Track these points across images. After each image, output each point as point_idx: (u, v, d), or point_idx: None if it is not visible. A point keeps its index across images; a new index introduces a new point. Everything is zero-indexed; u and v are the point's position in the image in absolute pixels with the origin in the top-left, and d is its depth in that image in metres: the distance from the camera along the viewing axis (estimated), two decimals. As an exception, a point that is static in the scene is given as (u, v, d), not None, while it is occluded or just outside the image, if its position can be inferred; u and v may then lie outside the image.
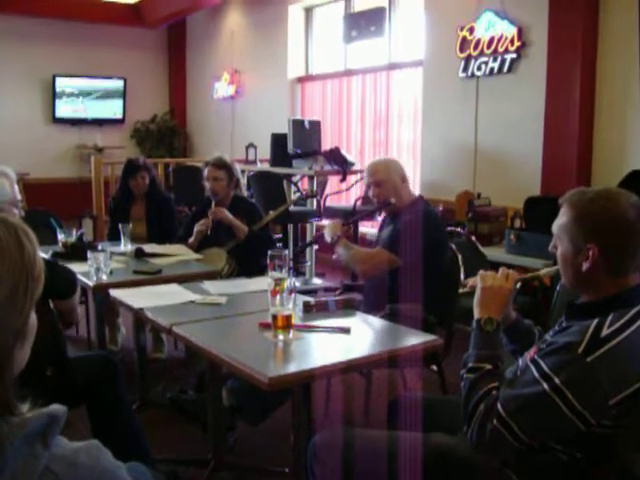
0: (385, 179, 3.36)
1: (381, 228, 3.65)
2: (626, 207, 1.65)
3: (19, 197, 2.82)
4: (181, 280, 3.25)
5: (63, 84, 10.32)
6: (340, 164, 6.22)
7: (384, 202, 3.38)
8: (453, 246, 3.41)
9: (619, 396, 1.55)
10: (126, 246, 4.12)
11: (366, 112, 7.93)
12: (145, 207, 4.81)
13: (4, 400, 0.96)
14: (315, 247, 6.72)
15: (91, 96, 10.59)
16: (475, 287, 1.93)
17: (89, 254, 3.30)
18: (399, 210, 3.36)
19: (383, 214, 3.68)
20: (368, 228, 7.33)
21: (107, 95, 10.70)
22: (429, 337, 2.36)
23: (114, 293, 2.99)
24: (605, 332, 1.57)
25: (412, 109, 7.27)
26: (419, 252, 3.08)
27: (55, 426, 0.96)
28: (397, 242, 3.19)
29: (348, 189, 7.23)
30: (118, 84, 10.70)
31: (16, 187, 2.82)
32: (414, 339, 2.36)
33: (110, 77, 10.62)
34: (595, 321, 1.60)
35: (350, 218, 4.09)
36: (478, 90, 6.10)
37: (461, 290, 2.09)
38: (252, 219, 4.27)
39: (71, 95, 10.42)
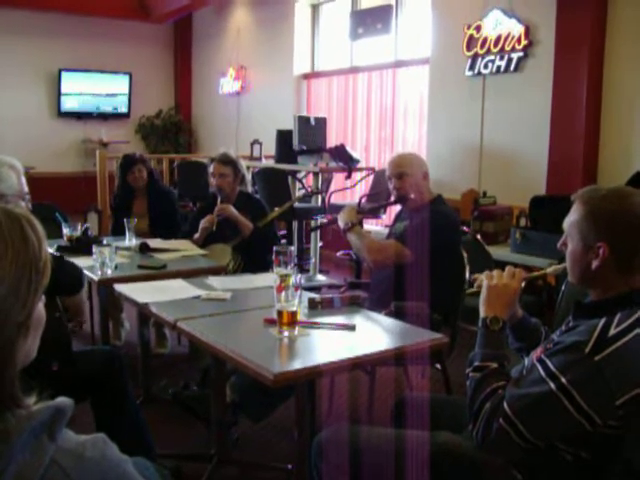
0: (408, 173, 3.33)
1: (394, 221, 3.63)
2: (638, 205, 1.65)
3: (26, 189, 2.81)
4: (186, 275, 3.25)
5: (69, 78, 10.32)
6: (345, 161, 6.21)
7: (403, 196, 3.36)
8: (459, 245, 3.41)
9: (626, 396, 1.53)
10: (131, 241, 4.12)
11: (372, 109, 7.91)
12: (147, 202, 4.82)
13: (9, 393, 0.96)
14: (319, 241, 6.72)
15: (96, 91, 10.58)
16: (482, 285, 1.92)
17: (94, 248, 3.30)
18: (417, 206, 3.34)
19: (398, 207, 3.66)
20: (372, 225, 7.33)
21: (112, 90, 10.70)
22: (435, 335, 2.36)
23: (119, 288, 2.98)
24: (613, 331, 1.56)
25: (418, 107, 7.26)
26: (431, 251, 3.06)
27: (62, 419, 0.95)
28: (411, 238, 3.17)
29: (353, 186, 7.22)
30: (124, 79, 10.70)
31: (23, 179, 2.81)
32: (420, 337, 2.35)
33: (116, 72, 10.62)
34: (603, 320, 1.59)
35: (364, 207, 4.06)
36: (484, 88, 6.09)
37: (469, 290, 2.07)
38: (257, 215, 4.26)
39: (76, 89, 10.42)
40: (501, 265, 2.00)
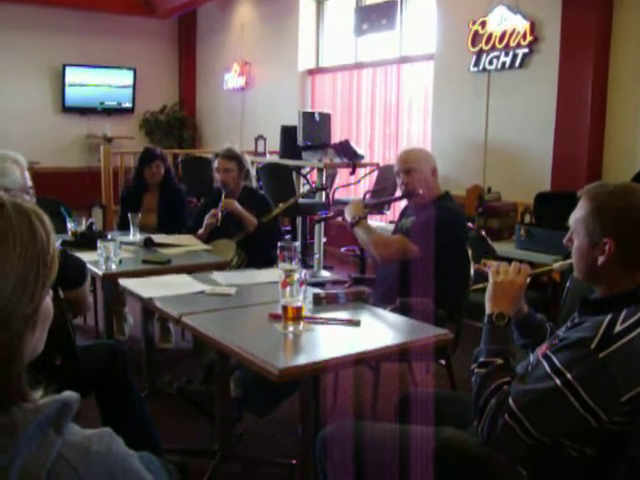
0: (416, 168, 3.31)
1: (400, 217, 3.62)
2: (645, 201, 1.64)
3: (30, 184, 2.81)
4: (190, 270, 3.25)
5: (73, 73, 10.33)
6: (350, 157, 6.21)
7: (411, 191, 3.35)
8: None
9: (632, 392, 1.53)
10: (135, 236, 4.12)
11: (376, 105, 7.90)
12: (158, 198, 4.81)
13: (16, 386, 0.96)
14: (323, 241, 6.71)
15: (101, 86, 10.59)
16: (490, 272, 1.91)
17: (99, 243, 3.31)
18: (424, 202, 3.32)
19: (405, 202, 3.65)
20: (377, 221, 7.32)
21: (117, 85, 10.71)
22: (440, 331, 2.35)
23: (123, 282, 2.98)
24: (618, 328, 1.55)
25: (422, 103, 7.25)
26: (437, 247, 3.05)
27: (68, 413, 0.95)
28: (418, 234, 3.17)
29: (357, 182, 7.22)
30: (128, 74, 10.70)
31: (27, 174, 2.81)
32: (425, 333, 2.34)
33: (120, 67, 10.63)
34: (608, 317, 1.58)
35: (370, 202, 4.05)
36: (489, 84, 6.07)
37: (474, 287, 2.07)
38: (261, 211, 4.26)
39: (81, 84, 10.43)
40: (506, 261, 1.99)
